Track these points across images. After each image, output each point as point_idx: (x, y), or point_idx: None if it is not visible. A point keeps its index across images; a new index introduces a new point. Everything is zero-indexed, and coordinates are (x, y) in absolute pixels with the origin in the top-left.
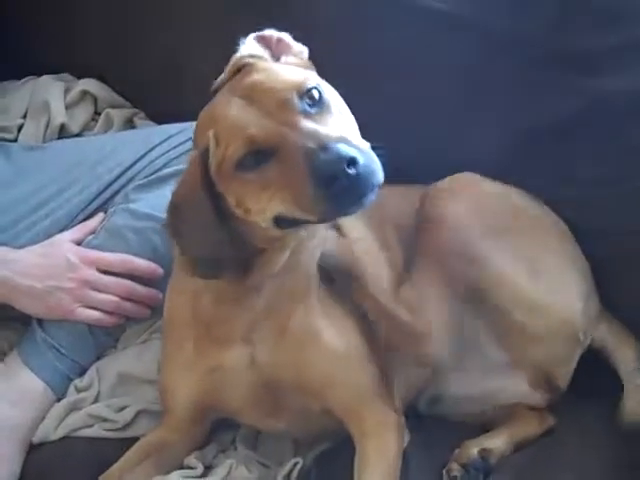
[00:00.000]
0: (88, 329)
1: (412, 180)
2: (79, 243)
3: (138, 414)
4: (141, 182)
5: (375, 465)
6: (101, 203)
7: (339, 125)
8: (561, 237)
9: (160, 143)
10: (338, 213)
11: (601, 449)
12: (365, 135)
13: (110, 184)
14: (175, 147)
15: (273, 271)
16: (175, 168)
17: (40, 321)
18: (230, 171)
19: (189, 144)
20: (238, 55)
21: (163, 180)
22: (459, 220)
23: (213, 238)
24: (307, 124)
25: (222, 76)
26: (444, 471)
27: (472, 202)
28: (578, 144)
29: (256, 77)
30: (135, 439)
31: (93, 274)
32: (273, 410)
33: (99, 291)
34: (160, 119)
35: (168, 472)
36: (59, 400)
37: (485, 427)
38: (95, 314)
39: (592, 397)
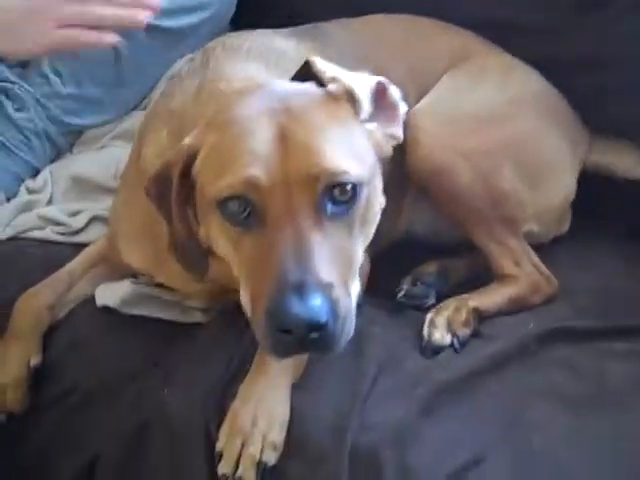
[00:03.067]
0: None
1: None
2: None
3: (91, 220)
4: None
5: None
6: None
7: (342, 253)
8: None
9: None
10: (281, 355)
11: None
12: None
13: None
14: None
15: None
16: None
17: None
18: (210, 201)
19: None
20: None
21: None
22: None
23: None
24: (311, 235)
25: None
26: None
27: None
28: None
29: (312, 122)
30: (87, 245)
31: None
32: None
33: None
34: None
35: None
36: (9, 200)
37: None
38: (75, 32)
39: None
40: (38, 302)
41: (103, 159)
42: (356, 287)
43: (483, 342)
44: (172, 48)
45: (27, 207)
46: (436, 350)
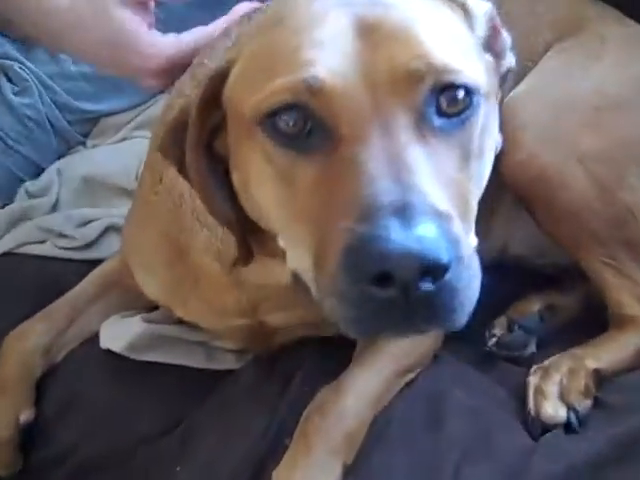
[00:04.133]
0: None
1: None
2: None
3: (106, 231)
4: None
5: None
6: None
7: (456, 189)
8: None
9: None
10: (369, 332)
11: None
12: None
13: None
14: None
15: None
16: None
17: None
18: (252, 120)
19: None
20: None
21: None
22: None
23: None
24: (412, 148)
25: None
26: (487, 329)
27: None
28: None
29: (410, 8)
30: (99, 262)
31: None
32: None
33: None
34: None
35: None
36: (4, 206)
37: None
38: None
39: None
40: (29, 344)
41: (123, 154)
42: (474, 242)
43: (605, 416)
44: (211, 14)
45: (26, 215)
46: (546, 428)
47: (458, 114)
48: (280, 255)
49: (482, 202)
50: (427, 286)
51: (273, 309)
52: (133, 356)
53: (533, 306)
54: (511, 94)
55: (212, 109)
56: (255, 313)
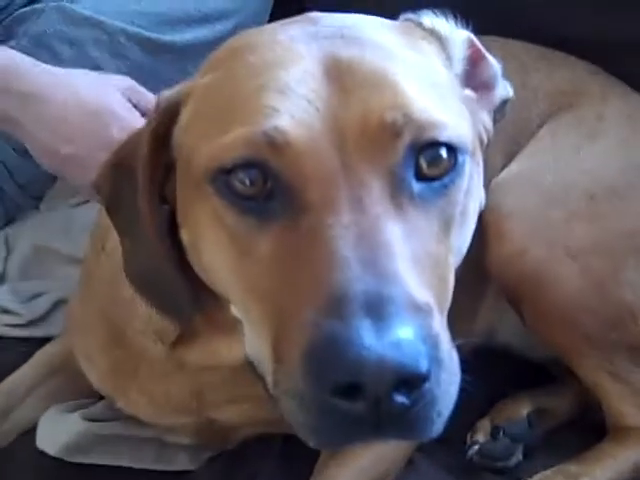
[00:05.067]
0: None
1: None
2: None
3: (56, 305)
4: None
5: None
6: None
7: (434, 264)
8: None
9: None
10: (333, 445)
11: None
12: None
13: None
14: None
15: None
16: None
17: None
18: (203, 175)
19: None
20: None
21: None
22: None
23: (151, 246)
24: (388, 225)
25: None
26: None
27: None
28: None
29: (385, 47)
30: (46, 341)
31: None
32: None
33: None
34: None
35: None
36: None
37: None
38: None
39: None
40: None
41: (78, 220)
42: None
43: None
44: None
45: None
46: None
47: (440, 177)
48: (230, 330)
49: (468, 282)
50: (402, 399)
51: (221, 402)
52: (70, 459)
53: (521, 409)
54: (498, 178)
55: (163, 147)
56: (201, 407)
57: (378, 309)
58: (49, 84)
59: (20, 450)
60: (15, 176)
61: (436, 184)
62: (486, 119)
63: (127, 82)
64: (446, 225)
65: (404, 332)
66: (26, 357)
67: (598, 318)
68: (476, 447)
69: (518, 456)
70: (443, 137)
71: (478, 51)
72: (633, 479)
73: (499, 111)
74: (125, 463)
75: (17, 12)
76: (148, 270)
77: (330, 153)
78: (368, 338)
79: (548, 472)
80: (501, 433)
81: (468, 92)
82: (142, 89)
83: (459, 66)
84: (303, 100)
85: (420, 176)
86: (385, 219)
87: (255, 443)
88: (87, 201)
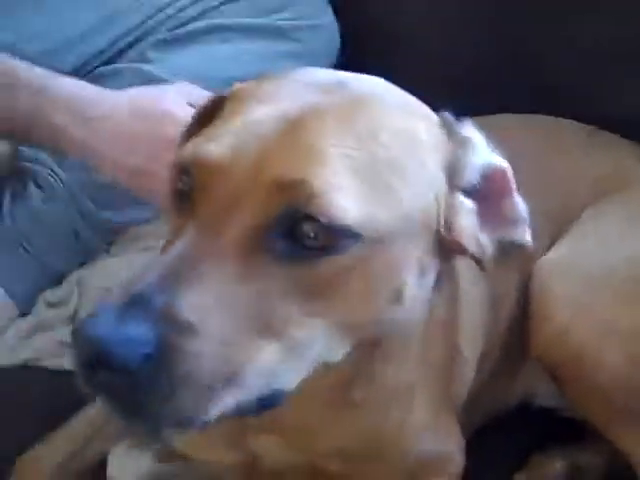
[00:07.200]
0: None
1: None
2: None
3: None
4: (163, 36)
5: None
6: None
7: (269, 317)
8: None
9: None
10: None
11: None
12: None
13: (123, 36)
14: None
15: None
16: (209, 22)
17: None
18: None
19: None
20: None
21: (192, 37)
22: None
23: None
24: (218, 260)
25: None
26: None
27: None
28: None
29: (351, 120)
30: None
31: None
32: None
33: None
34: None
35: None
36: (23, 315)
37: None
38: None
39: None
40: (44, 468)
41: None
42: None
43: None
44: None
45: (43, 326)
46: None
47: (316, 249)
48: None
49: (510, 346)
50: (105, 374)
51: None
52: None
53: (556, 464)
54: (542, 260)
55: None
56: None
57: (131, 306)
58: (106, 101)
59: None
60: (88, 222)
61: (309, 252)
62: (484, 240)
63: (183, 83)
64: (305, 292)
65: (134, 329)
66: None
67: (638, 395)
68: None
69: None
70: (334, 219)
71: (508, 185)
72: None
73: (507, 249)
74: None
75: (97, 70)
76: None
77: (227, 184)
78: (88, 322)
79: None
80: None
81: (466, 200)
82: (199, 89)
83: (473, 171)
84: (241, 137)
85: (296, 239)
86: (222, 256)
87: None
88: (146, 249)
